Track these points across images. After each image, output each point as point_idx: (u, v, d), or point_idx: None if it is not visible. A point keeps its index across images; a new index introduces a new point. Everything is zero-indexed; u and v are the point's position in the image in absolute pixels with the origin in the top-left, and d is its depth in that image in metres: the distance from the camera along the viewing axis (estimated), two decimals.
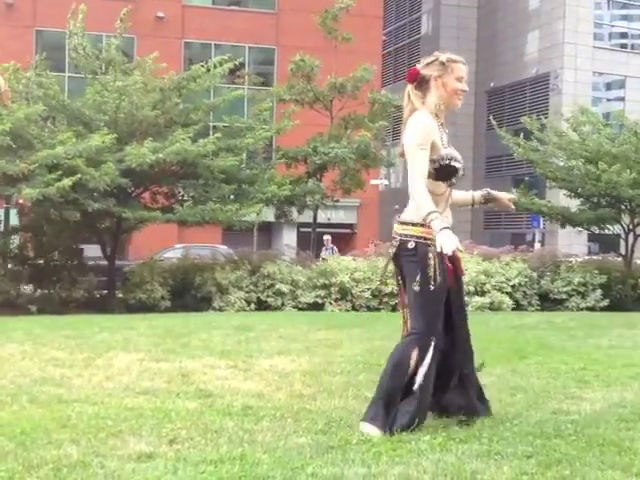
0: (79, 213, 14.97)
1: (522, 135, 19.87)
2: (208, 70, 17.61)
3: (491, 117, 23.27)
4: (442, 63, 4.30)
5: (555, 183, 19.22)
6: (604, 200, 18.68)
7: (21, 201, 16.47)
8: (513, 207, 5.00)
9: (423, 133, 4.18)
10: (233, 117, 18.35)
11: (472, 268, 16.56)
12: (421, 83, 4.34)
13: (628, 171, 17.04)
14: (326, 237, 22.29)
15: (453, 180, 4.34)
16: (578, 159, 18.26)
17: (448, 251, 3.94)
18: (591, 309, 17.00)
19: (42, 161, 14.44)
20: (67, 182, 14.15)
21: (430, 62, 4.33)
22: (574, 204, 19.59)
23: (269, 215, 19.83)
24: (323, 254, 20.31)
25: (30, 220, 17.05)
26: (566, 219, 19.28)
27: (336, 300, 16.50)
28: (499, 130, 20.10)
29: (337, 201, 21.10)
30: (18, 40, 29.76)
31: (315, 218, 21.15)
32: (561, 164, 18.94)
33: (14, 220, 18.77)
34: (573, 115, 19.36)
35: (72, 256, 17.23)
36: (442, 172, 4.25)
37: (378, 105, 21.30)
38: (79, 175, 14.37)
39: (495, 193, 4.83)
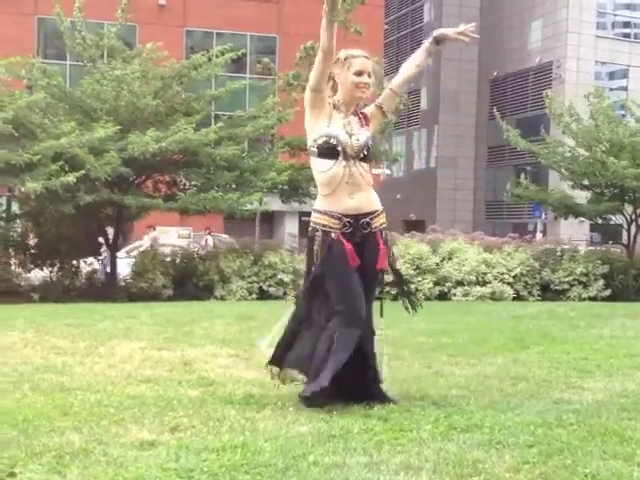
0: (73, 207, 14.94)
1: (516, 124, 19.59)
2: (209, 59, 17.54)
3: (495, 109, 22.98)
4: (341, 60, 4.47)
5: (560, 174, 19.07)
6: (608, 190, 18.59)
7: (23, 189, 16.42)
8: (470, 37, 4.60)
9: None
10: (236, 110, 18.32)
11: (472, 258, 16.65)
12: (333, 83, 4.54)
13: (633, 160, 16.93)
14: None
15: (339, 158, 4.40)
16: (590, 148, 17.96)
17: None
18: (593, 299, 16.98)
19: (45, 152, 14.42)
20: (71, 178, 14.14)
21: (334, 62, 4.45)
22: (577, 194, 19.46)
23: (272, 205, 19.75)
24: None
25: (31, 209, 17.03)
26: (570, 210, 19.10)
27: None
28: (502, 122, 19.87)
29: None
30: (19, 28, 29.67)
31: None
32: (567, 154, 18.77)
33: (15, 207, 18.72)
34: (591, 102, 18.95)
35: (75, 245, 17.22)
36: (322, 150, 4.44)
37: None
38: (83, 171, 14.36)
39: (443, 31, 4.65)
